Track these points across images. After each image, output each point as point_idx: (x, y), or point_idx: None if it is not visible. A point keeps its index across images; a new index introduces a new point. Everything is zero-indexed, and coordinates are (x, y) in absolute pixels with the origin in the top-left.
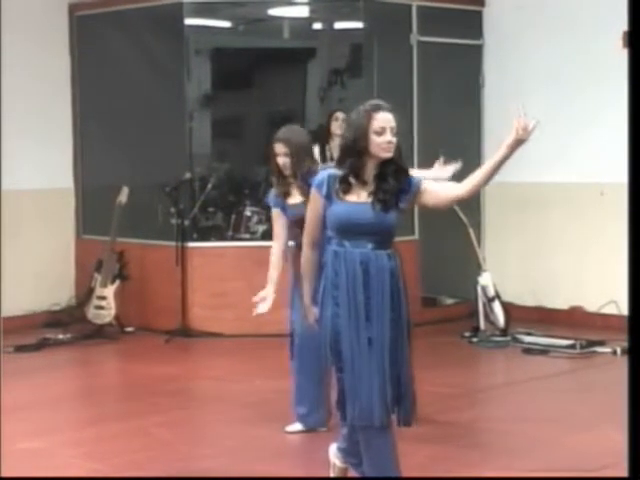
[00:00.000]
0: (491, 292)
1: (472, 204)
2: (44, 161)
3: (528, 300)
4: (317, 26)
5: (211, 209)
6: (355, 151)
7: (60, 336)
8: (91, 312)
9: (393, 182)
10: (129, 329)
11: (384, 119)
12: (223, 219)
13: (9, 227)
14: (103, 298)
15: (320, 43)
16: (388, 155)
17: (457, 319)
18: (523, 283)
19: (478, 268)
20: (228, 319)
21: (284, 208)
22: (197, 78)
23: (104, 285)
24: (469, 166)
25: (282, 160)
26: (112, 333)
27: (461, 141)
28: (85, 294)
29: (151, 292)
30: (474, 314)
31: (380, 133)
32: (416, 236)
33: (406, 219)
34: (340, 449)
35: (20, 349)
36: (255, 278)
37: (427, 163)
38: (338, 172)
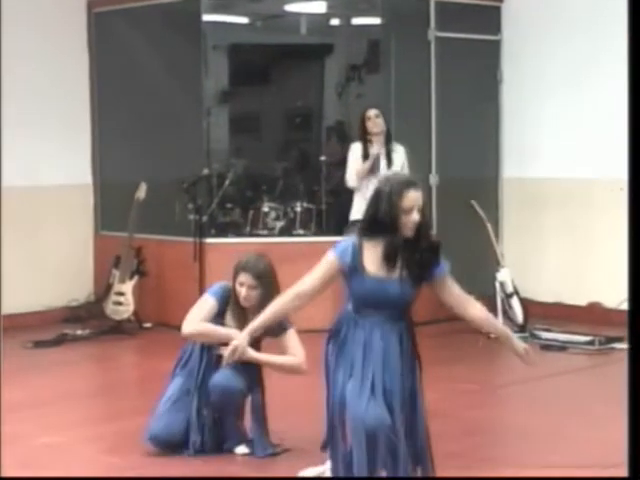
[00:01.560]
0: (509, 288)
1: (490, 199)
2: (63, 157)
3: (547, 296)
4: (335, 22)
5: (229, 205)
6: (383, 225)
7: (79, 332)
8: (109, 308)
9: (423, 256)
10: (147, 325)
11: (414, 198)
12: (241, 215)
13: (28, 223)
14: (121, 294)
15: (338, 39)
16: (412, 234)
17: None
18: (542, 279)
19: (496, 264)
20: None
21: (222, 310)
22: (215, 74)
23: (122, 281)
24: (488, 161)
25: (246, 292)
26: (130, 329)
27: (479, 137)
28: (103, 290)
29: (169, 288)
30: (492, 310)
31: (408, 212)
32: (434, 231)
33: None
34: None
35: (39, 344)
36: None
37: (445, 158)
38: (362, 241)
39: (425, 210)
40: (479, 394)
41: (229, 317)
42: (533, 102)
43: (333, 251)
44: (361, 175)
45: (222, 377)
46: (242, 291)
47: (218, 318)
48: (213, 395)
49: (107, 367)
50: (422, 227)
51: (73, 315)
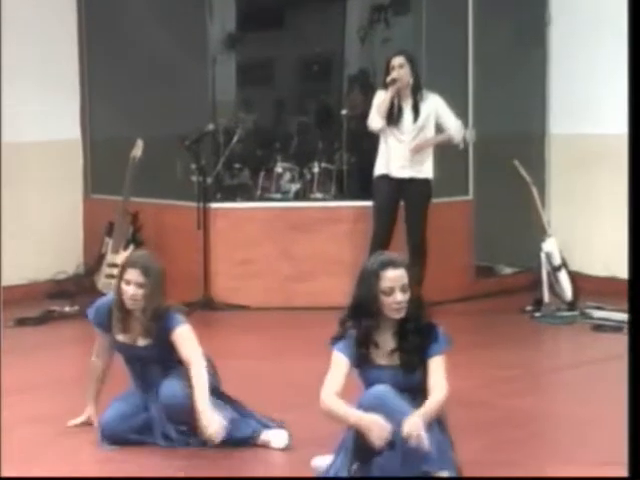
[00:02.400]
0: (557, 260)
1: (535, 159)
2: (48, 109)
3: (599, 270)
4: None
5: (237, 165)
6: (366, 311)
7: (66, 308)
8: (102, 281)
9: (416, 340)
10: None
11: (392, 278)
12: (251, 177)
13: (8, 185)
14: (115, 266)
15: None
16: (399, 315)
17: (517, 291)
18: (593, 250)
19: (541, 232)
20: (256, 290)
21: (106, 335)
22: (220, 17)
23: (116, 251)
24: (533, 115)
25: (133, 291)
26: None
27: (523, 88)
28: (95, 261)
29: (169, 259)
30: (537, 285)
31: (389, 293)
32: (470, 196)
33: (459, 176)
34: None
35: (21, 323)
36: (287, 244)
37: (483, 111)
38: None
39: (413, 288)
40: (522, 381)
41: (114, 325)
42: (586, 47)
43: (336, 350)
44: (381, 112)
45: (166, 389)
46: (128, 290)
47: (106, 335)
48: (165, 408)
49: None
50: (411, 307)
51: (60, 290)
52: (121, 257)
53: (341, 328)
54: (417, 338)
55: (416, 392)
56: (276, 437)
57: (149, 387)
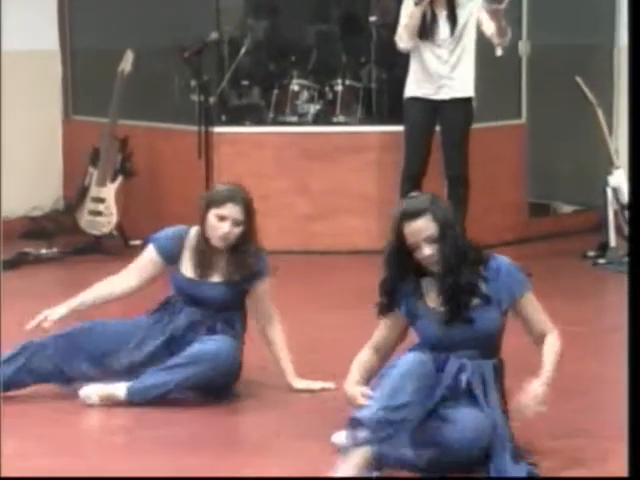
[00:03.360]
0: (625, 197)
1: (602, 75)
2: (20, 15)
3: None
4: None
5: (245, 82)
6: (403, 264)
7: (43, 250)
8: (84, 219)
9: (458, 293)
10: (135, 242)
11: (411, 232)
12: (261, 96)
13: None
14: (101, 201)
15: None
16: (437, 269)
17: (578, 233)
18: None
19: (609, 164)
20: (268, 230)
21: (166, 267)
22: None
23: (102, 183)
24: (599, 23)
25: (228, 228)
26: (112, 247)
27: None
28: (76, 195)
29: (165, 193)
30: (602, 227)
31: (414, 248)
32: (523, 119)
33: (511, 97)
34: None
35: None
36: (304, 176)
37: (539, 23)
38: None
39: (449, 232)
40: (584, 340)
41: (186, 264)
42: None
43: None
44: (410, 30)
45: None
46: (223, 227)
47: (170, 268)
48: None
49: None
50: (447, 258)
51: (35, 228)
52: (108, 190)
53: (382, 294)
54: (459, 292)
55: (458, 349)
56: None
57: (180, 339)
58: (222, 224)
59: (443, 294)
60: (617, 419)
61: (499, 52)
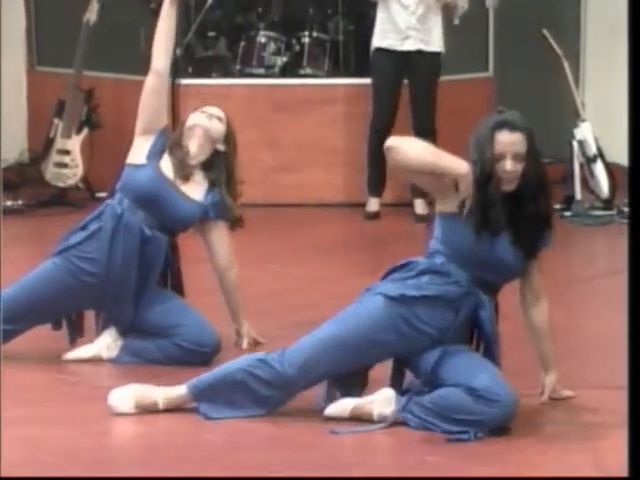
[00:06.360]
0: (592, 150)
1: (568, 25)
2: None
3: None
4: None
5: (211, 33)
6: (482, 181)
7: (8, 202)
8: (50, 171)
9: (521, 222)
10: (101, 194)
11: (504, 142)
12: (228, 47)
13: None
14: (66, 152)
15: None
16: (509, 188)
17: None
18: None
19: (575, 116)
20: None
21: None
22: None
23: (67, 135)
24: None
25: (209, 122)
26: (78, 199)
27: None
28: (41, 147)
29: (131, 145)
30: (567, 179)
31: (499, 159)
32: (490, 72)
33: (477, 49)
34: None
35: None
36: (271, 128)
37: None
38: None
39: (534, 159)
40: (548, 291)
41: (166, 164)
42: None
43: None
44: None
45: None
46: (205, 120)
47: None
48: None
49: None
50: (527, 183)
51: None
52: (74, 142)
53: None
54: (529, 225)
55: (482, 276)
56: None
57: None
58: (204, 117)
59: (514, 220)
60: (580, 368)
61: (456, 21)
